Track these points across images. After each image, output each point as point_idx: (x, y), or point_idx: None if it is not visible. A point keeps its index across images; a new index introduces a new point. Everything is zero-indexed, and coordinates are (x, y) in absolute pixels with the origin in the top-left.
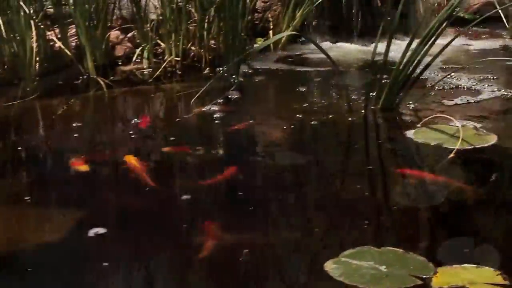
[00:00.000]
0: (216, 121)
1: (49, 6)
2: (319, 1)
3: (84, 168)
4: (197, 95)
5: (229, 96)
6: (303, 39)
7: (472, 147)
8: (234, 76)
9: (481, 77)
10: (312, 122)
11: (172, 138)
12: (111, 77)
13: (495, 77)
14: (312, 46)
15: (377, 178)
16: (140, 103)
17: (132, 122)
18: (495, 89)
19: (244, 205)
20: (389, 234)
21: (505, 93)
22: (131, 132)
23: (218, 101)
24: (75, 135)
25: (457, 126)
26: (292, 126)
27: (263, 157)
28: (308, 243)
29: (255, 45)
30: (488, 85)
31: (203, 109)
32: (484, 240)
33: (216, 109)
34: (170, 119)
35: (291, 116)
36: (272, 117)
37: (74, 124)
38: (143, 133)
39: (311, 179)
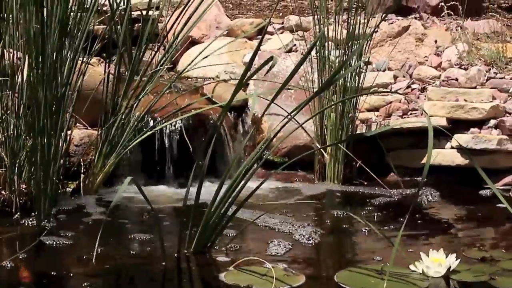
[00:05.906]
0: None
1: None
2: (132, 145)
3: None
4: None
5: (42, 242)
6: (121, 181)
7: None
8: (45, 221)
9: (292, 218)
10: (127, 271)
11: None
12: None
13: (305, 218)
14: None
15: None
16: None
17: None
18: (304, 230)
19: None
20: None
21: (314, 234)
22: None
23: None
24: None
25: (268, 268)
26: (100, 276)
27: None
28: None
29: (68, 189)
30: (298, 226)
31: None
32: None
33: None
34: None
35: (101, 266)
36: (80, 268)
37: None
38: None
39: None
